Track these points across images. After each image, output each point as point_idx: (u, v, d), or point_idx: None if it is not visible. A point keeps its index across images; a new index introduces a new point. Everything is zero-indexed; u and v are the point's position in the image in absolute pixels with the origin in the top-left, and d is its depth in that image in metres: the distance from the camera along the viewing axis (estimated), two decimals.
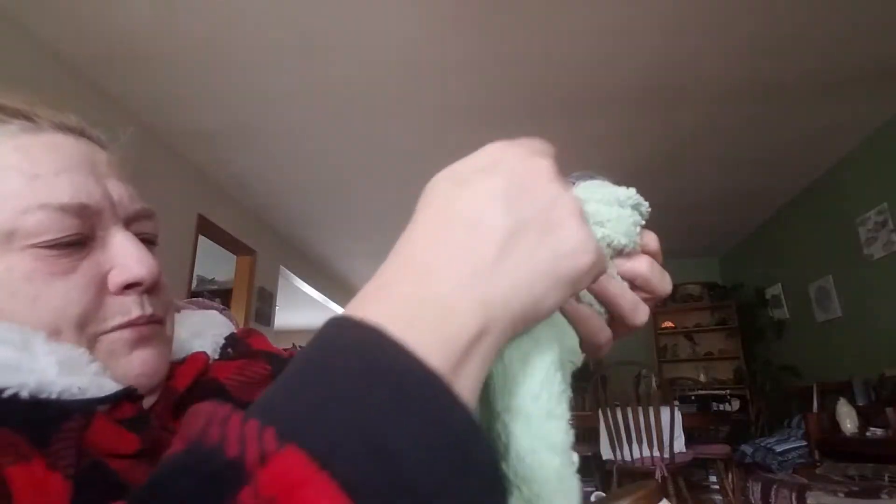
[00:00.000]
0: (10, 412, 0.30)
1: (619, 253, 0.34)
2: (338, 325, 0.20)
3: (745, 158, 3.79)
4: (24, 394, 0.31)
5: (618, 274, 0.35)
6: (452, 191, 0.24)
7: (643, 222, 0.35)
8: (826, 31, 2.52)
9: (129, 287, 0.40)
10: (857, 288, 3.75)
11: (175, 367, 0.45)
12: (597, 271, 0.25)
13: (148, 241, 0.44)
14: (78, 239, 0.38)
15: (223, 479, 0.16)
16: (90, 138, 0.43)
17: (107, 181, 0.41)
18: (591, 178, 0.36)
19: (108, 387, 0.35)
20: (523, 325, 0.23)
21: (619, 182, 0.36)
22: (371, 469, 0.16)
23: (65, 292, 0.37)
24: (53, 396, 0.32)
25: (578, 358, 0.32)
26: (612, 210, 0.33)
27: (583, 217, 0.25)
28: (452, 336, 0.20)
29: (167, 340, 0.43)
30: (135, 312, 0.40)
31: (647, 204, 0.35)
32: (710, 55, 2.67)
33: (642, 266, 0.35)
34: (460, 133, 3.38)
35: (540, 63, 2.71)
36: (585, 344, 0.33)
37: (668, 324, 5.82)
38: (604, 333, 0.34)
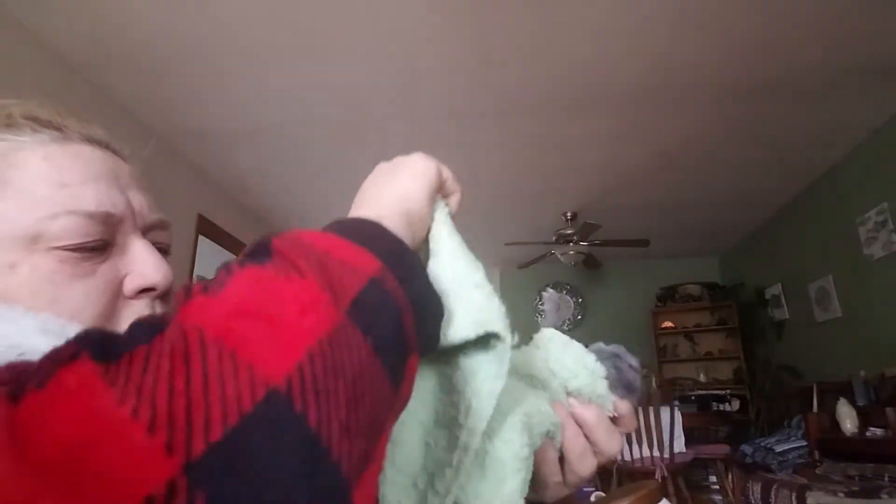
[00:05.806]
0: None
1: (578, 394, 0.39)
2: (352, 219, 0.35)
3: (745, 158, 3.79)
4: None
5: (571, 416, 0.38)
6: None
7: (605, 381, 0.39)
8: (827, 30, 2.52)
9: (143, 292, 0.42)
10: (857, 288, 3.75)
11: None
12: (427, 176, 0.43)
13: (162, 251, 0.46)
14: (100, 244, 0.40)
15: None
16: (113, 151, 0.46)
17: (129, 191, 0.44)
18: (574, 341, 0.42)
19: None
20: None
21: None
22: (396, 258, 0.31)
23: (84, 294, 0.39)
24: None
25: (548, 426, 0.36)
26: (581, 366, 0.39)
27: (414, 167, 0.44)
28: (386, 219, 0.36)
29: None
30: None
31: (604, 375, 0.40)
32: (710, 55, 2.67)
33: (590, 415, 0.36)
34: (460, 133, 3.38)
35: (539, 63, 2.71)
36: (538, 485, 0.35)
37: (668, 324, 5.80)
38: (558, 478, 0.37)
